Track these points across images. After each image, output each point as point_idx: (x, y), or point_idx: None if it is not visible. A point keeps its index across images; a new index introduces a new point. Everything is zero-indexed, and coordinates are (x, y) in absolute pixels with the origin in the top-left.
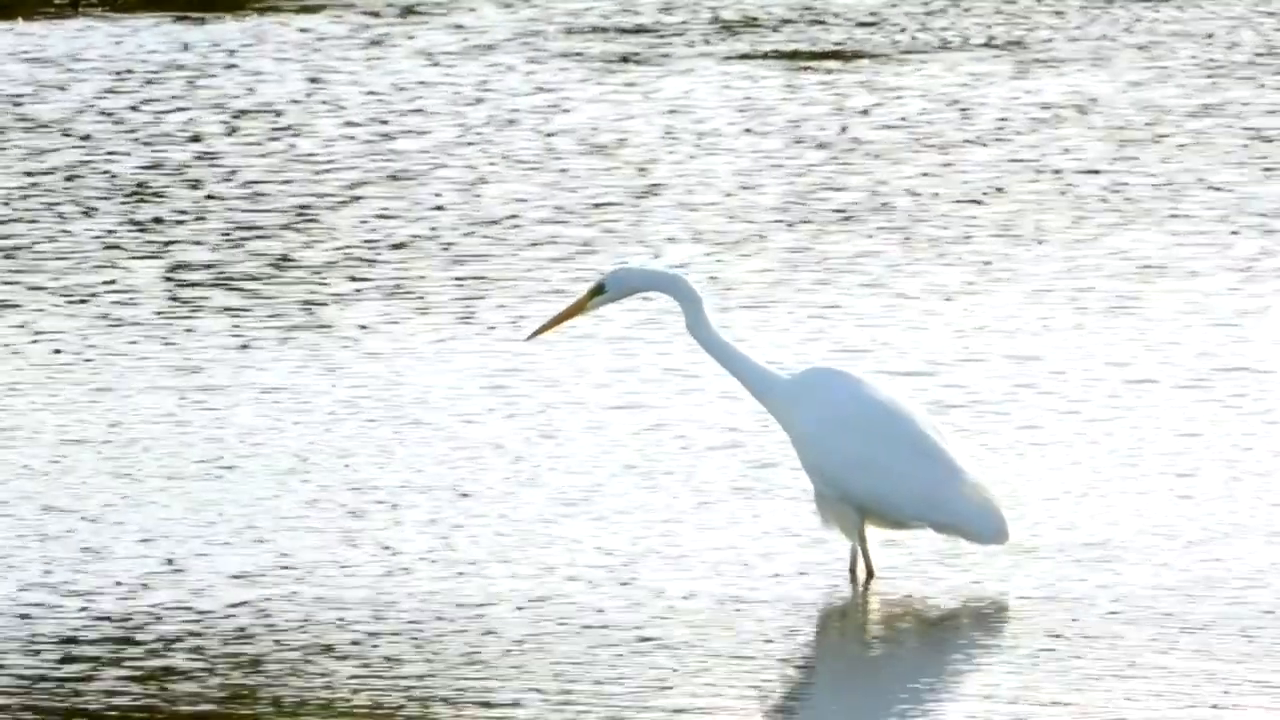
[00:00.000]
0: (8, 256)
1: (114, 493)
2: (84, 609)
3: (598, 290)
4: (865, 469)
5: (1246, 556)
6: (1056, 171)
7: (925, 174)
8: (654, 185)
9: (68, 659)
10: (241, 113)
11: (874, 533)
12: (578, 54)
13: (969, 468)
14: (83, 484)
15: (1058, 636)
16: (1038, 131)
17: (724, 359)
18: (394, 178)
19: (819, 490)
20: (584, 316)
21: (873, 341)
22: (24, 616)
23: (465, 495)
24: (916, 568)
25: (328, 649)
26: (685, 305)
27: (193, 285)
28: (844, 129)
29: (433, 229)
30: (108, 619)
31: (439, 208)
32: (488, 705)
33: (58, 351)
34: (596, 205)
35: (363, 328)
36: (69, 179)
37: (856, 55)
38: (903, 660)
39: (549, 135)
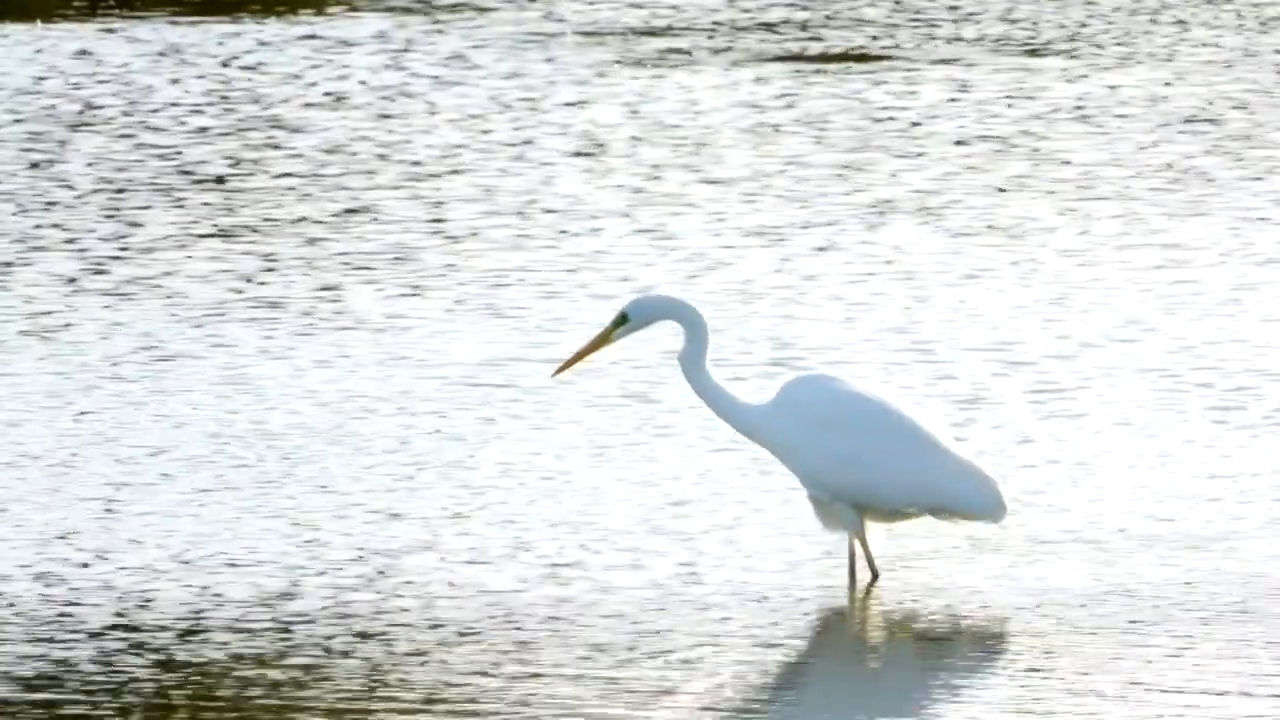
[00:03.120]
0: (75, 248)
1: (141, 482)
2: (121, 594)
3: (621, 320)
4: (850, 463)
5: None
6: (1113, 163)
7: (960, 170)
8: (679, 184)
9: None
10: (267, 109)
11: (876, 527)
12: (598, 54)
13: (957, 449)
14: (117, 472)
15: (1063, 639)
16: (1082, 124)
17: (710, 398)
18: (417, 177)
19: (812, 495)
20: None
21: (903, 334)
22: (49, 600)
23: (477, 487)
24: (920, 567)
25: (358, 638)
26: (691, 337)
27: (227, 280)
28: (878, 122)
29: (471, 220)
30: (145, 607)
31: (465, 204)
32: (476, 702)
33: (70, 328)
34: (620, 203)
35: (394, 319)
36: (105, 175)
37: (892, 56)
38: (902, 662)
39: (573, 134)
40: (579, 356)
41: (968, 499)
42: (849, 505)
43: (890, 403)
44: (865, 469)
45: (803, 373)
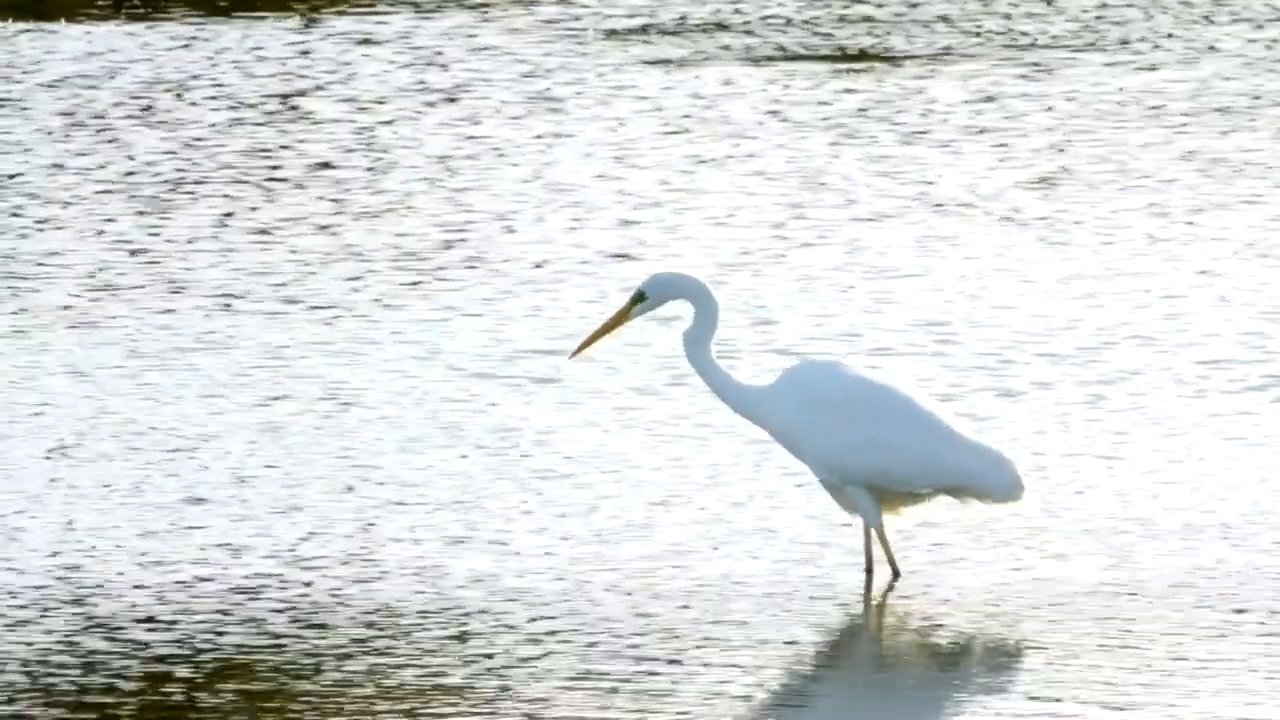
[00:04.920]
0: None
1: (160, 474)
2: (136, 586)
3: (639, 298)
4: (863, 446)
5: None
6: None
7: (995, 164)
8: (711, 178)
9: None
10: (295, 104)
11: (888, 516)
12: (631, 50)
13: (968, 432)
14: (133, 466)
15: (1088, 637)
16: (1112, 118)
17: (709, 377)
18: (448, 170)
19: (824, 480)
20: (626, 325)
21: (936, 326)
22: (79, 600)
23: (491, 480)
24: (938, 563)
25: (371, 632)
26: (700, 317)
27: (257, 274)
28: (925, 116)
29: (501, 214)
30: (170, 601)
31: (497, 198)
32: (480, 695)
33: (102, 321)
34: (653, 196)
35: (423, 311)
36: (135, 169)
37: (924, 53)
38: (918, 661)
39: (605, 128)
40: (597, 336)
41: (984, 478)
42: (862, 488)
43: (898, 386)
44: (878, 451)
45: (805, 358)
